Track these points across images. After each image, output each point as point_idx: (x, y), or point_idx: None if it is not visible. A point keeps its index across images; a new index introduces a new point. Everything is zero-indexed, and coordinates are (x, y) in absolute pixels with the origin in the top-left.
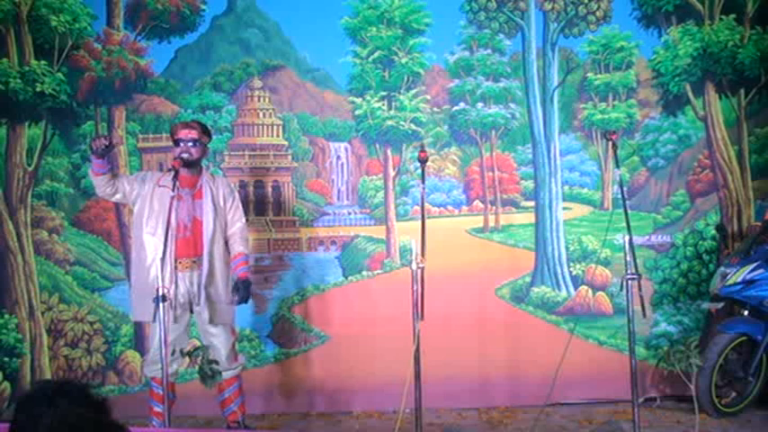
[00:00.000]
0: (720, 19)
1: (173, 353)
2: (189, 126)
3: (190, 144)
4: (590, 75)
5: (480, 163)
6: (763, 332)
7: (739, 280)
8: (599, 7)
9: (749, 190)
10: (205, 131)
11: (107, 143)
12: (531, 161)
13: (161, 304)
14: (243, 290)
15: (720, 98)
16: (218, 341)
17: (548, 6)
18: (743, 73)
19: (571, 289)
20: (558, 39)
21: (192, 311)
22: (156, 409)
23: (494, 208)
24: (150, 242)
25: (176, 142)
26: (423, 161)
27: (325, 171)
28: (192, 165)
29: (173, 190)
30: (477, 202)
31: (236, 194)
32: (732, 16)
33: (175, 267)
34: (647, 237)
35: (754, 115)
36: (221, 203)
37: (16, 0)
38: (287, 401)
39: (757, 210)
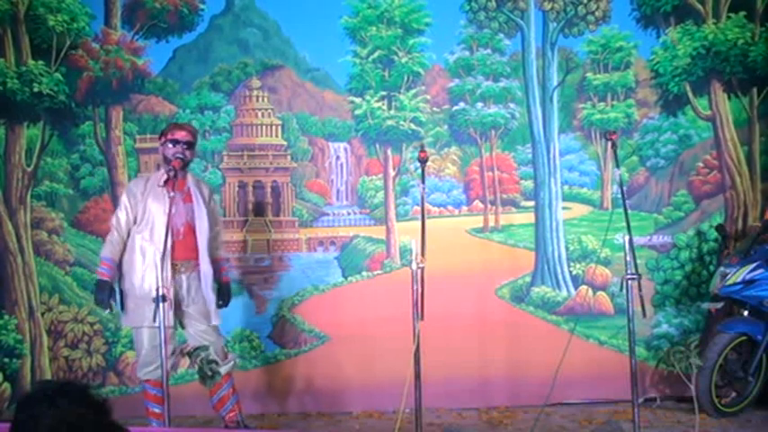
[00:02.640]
0: (728, 17)
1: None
2: (185, 128)
3: (185, 146)
4: (589, 75)
5: (480, 163)
6: (763, 332)
7: (739, 280)
8: (598, 7)
9: (757, 192)
10: (196, 135)
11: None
12: (531, 161)
13: (161, 304)
14: (227, 294)
15: (729, 98)
16: (210, 341)
17: (547, 6)
18: (755, 71)
19: (571, 289)
20: (558, 38)
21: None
22: (154, 410)
23: (494, 208)
24: (143, 247)
25: (172, 142)
26: (423, 161)
27: (325, 171)
28: (184, 167)
29: (172, 190)
30: (477, 202)
31: (215, 198)
32: (742, 13)
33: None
34: (648, 237)
35: (766, 115)
36: (209, 206)
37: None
38: (287, 402)
39: (762, 211)
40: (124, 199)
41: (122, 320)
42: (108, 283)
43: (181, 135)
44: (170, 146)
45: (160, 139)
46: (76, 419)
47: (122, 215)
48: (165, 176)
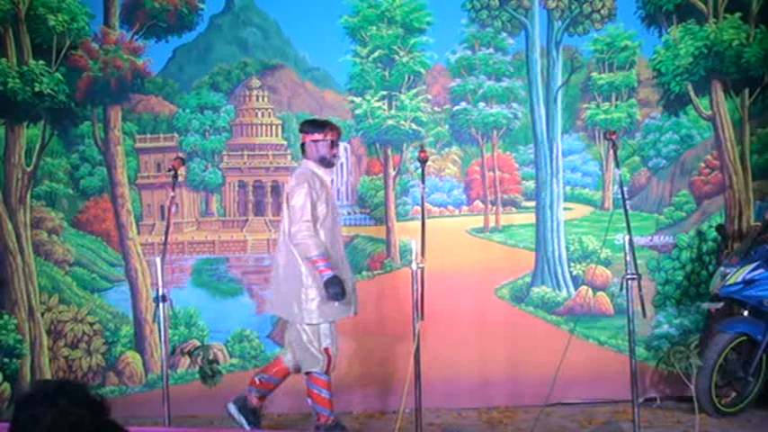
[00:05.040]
0: (725, 18)
1: None
2: (339, 130)
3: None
4: (594, 74)
5: (481, 163)
6: (763, 332)
7: (739, 280)
8: (604, 5)
9: (750, 191)
10: None
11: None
12: (533, 161)
13: (161, 304)
14: None
15: (726, 98)
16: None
17: (552, 4)
18: (747, 72)
19: (571, 289)
20: (563, 37)
21: None
22: (323, 395)
23: (494, 208)
24: (330, 242)
25: (333, 144)
26: (423, 161)
27: None
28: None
29: (173, 189)
30: (477, 203)
31: None
32: (738, 14)
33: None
34: (650, 237)
35: (757, 115)
36: None
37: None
38: (287, 401)
39: (756, 210)
40: (309, 197)
41: (306, 316)
42: (339, 277)
43: (337, 137)
44: (329, 147)
45: (311, 134)
46: (76, 419)
47: (312, 213)
48: (329, 177)
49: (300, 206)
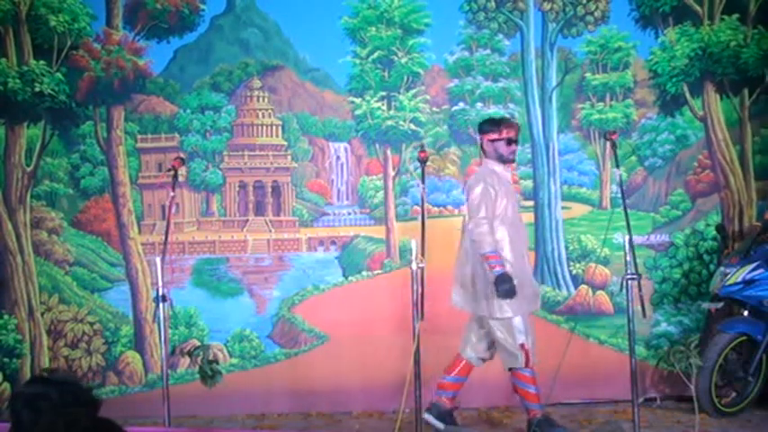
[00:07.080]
0: (722, 19)
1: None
2: (517, 127)
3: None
4: (588, 75)
5: (479, 163)
6: (763, 332)
7: (739, 280)
8: (597, 8)
9: (752, 191)
10: None
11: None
12: (530, 161)
13: (161, 304)
14: None
15: (722, 98)
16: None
17: (546, 7)
18: (746, 73)
19: (571, 288)
20: (557, 39)
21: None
22: (529, 390)
23: None
24: (512, 237)
25: (508, 141)
26: (422, 161)
27: (325, 171)
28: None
29: (173, 189)
30: None
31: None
32: (735, 16)
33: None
34: (646, 236)
35: (758, 116)
36: None
37: (15, 0)
38: (287, 401)
39: (759, 210)
40: (485, 194)
41: (497, 310)
42: (508, 274)
43: (515, 134)
44: (506, 144)
45: (488, 134)
46: (73, 416)
47: (490, 212)
48: (509, 173)
49: (477, 204)
